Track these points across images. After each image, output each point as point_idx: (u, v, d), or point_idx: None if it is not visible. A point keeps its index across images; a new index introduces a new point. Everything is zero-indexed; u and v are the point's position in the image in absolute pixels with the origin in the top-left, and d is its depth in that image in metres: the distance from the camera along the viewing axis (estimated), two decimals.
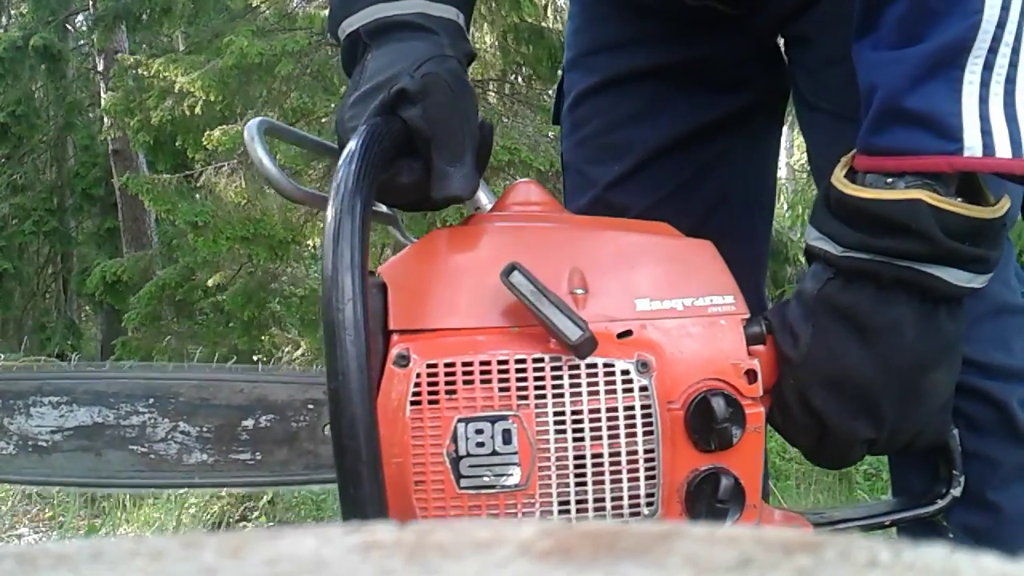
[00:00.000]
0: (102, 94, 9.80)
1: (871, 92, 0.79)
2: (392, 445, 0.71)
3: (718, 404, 0.73)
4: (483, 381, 0.72)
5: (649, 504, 0.73)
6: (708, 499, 0.74)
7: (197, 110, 6.41)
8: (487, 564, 0.27)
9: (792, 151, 11.11)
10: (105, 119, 9.15)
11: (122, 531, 2.70)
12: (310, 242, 6.99)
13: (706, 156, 1.11)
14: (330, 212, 0.69)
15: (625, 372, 0.73)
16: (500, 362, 0.72)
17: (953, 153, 0.74)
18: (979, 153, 0.74)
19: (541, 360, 0.72)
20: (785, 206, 7.28)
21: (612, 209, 1.10)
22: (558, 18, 6.72)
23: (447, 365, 0.72)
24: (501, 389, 0.72)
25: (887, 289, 0.78)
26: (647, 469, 0.73)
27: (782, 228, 6.39)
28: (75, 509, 2.84)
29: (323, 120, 6.39)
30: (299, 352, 7.56)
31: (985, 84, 0.74)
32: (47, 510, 3.01)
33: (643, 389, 0.73)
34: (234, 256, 7.56)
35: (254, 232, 6.40)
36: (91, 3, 10.17)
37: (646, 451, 0.73)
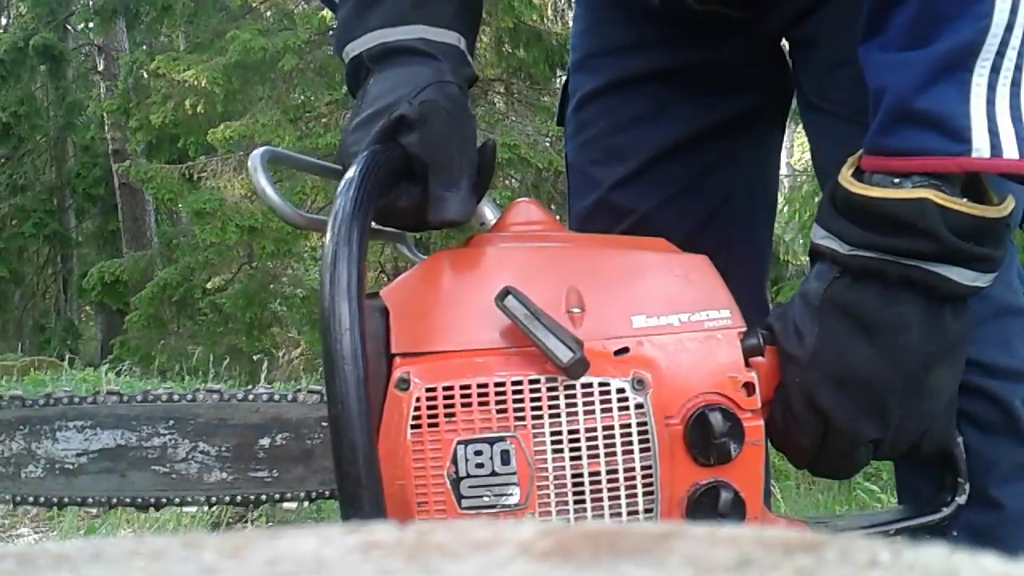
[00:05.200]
0: (102, 94, 9.80)
1: (880, 93, 0.79)
2: (395, 467, 0.72)
3: (716, 419, 0.74)
4: (481, 403, 0.73)
5: (648, 519, 0.74)
6: (708, 512, 0.74)
7: (199, 109, 6.40)
8: (487, 564, 0.27)
9: (792, 151, 11.12)
10: (105, 119, 9.14)
11: (122, 531, 2.70)
12: (311, 243, 6.98)
13: (710, 158, 1.11)
14: (328, 240, 0.70)
15: (620, 390, 0.73)
16: (497, 384, 0.73)
17: (961, 154, 0.75)
18: (987, 154, 0.74)
19: (537, 381, 0.73)
20: (784, 206, 7.28)
21: (616, 210, 1.11)
22: (558, 19, 6.72)
23: (446, 388, 0.73)
24: (499, 411, 0.73)
25: (893, 287, 0.78)
26: (645, 485, 0.74)
27: (781, 228, 6.39)
28: (75, 509, 2.84)
29: (324, 120, 6.39)
30: (298, 351, 7.56)
31: (992, 86, 0.75)
32: (47, 510, 3.00)
33: (639, 407, 0.73)
34: (234, 257, 7.56)
35: (261, 222, 6.39)
36: (91, 2, 10.16)
37: (643, 467, 0.73)
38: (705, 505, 0.74)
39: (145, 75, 7.42)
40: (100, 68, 11.00)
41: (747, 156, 1.14)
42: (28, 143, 11.81)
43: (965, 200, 0.76)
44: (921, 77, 0.75)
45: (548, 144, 6.05)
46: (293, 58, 6.12)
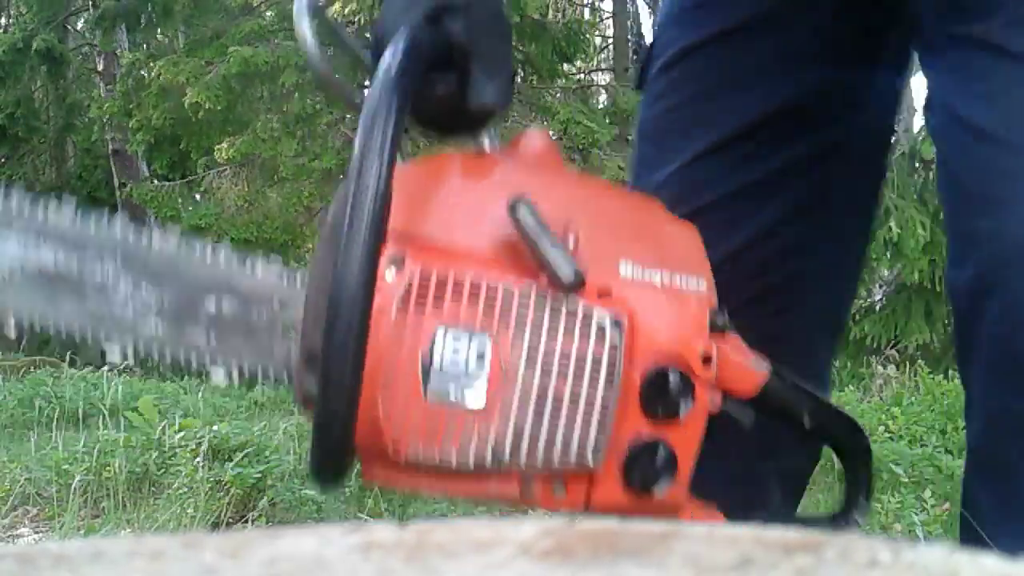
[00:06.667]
0: (102, 95, 9.81)
1: None
2: (370, 341, 0.73)
3: (674, 378, 0.77)
4: (471, 300, 0.74)
5: (595, 454, 0.76)
6: (645, 466, 0.77)
7: (200, 114, 6.42)
8: (487, 564, 0.27)
9: None
10: (104, 120, 9.16)
11: (122, 531, 2.70)
12: (309, 244, 6.99)
13: (813, 141, 0.99)
14: (364, 114, 0.70)
15: (600, 325, 0.75)
16: (490, 287, 0.74)
17: None
18: None
19: (527, 294, 0.75)
20: None
21: (688, 188, 1.00)
22: (560, 15, 6.70)
23: (440, 275, 0.74)
24: (485, 311, 0.74)
25: None
26: (599, 421, 0.76)
27: None
28: (75, 509, 2.85)
29: (323, 128, 6.39)
30: None
31: None
32: (47, 510, 3.01)
33: (613, 346, 0.75)
34: None
35: (256, 235, 6.45)
36: (90, 3, 10.17)
37: (603, 404, 0.75)
38: (643, 458, 0.77)
39: (145, 76, 7.41)
40: (100, 68, 11.00)
41: (854, 145, 1.01)
42: (28, 144, 11.81)
43: None
44: None
45: None
46: (294, 73, 6.13)
